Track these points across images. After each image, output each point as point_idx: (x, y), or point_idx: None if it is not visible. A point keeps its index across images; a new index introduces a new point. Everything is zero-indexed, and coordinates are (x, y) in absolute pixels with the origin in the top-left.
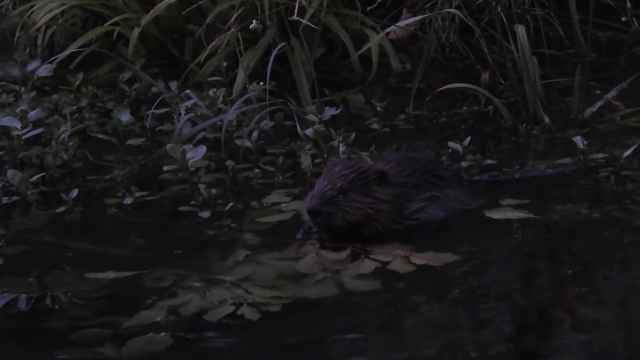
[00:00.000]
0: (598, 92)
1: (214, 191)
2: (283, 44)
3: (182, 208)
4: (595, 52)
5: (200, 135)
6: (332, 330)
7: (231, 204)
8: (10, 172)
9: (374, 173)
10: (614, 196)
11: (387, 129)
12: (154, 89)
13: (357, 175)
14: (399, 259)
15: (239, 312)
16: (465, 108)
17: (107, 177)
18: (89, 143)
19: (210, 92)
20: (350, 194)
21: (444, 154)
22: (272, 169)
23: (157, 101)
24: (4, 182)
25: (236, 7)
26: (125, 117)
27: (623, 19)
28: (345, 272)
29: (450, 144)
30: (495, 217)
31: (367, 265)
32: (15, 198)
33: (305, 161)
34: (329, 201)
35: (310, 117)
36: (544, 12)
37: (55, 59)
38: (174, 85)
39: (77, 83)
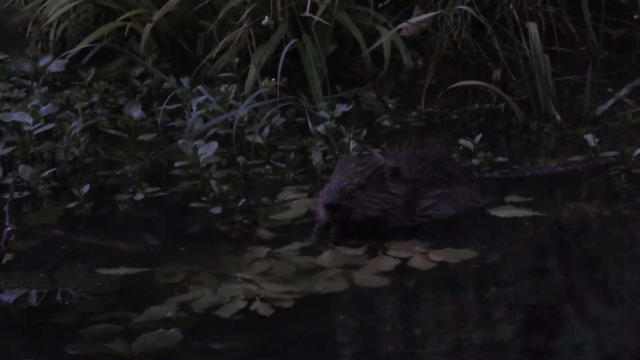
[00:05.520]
0: (610, 89)
1: (225, 187)
2: (295, 40)
3: (193, 204)
4: (607, 50)
5: (212, 131)
6: (344, 326)
7: (243, 200)
8: (21, 167)
9: (388, 169)
10: (625, 194)
11: (398, 126)
12: (165, 85)
13: (373, 172)
14: (418, 255)
15: (252, 308)
16: (476, 105)
17: (118, 172)
18: (100, 138)
19: (222, 88)
20: (368, 190)
21: (455, 152)
22: (283, 165)
23: (169, 97)
24: (15, 177)
25: (248, 3)
26: (136, 112)
27: (635, 16)
28: (364, 268)
29: (462, 141)
30: (501, 216)
31: (387, 262)
32: (26, 193)
33: (316, 158)
34: (348, 196)
35: (322, 113)
36: (555, 9)
37: (67, 54)
38: (185, 81)
39: (88, 78)
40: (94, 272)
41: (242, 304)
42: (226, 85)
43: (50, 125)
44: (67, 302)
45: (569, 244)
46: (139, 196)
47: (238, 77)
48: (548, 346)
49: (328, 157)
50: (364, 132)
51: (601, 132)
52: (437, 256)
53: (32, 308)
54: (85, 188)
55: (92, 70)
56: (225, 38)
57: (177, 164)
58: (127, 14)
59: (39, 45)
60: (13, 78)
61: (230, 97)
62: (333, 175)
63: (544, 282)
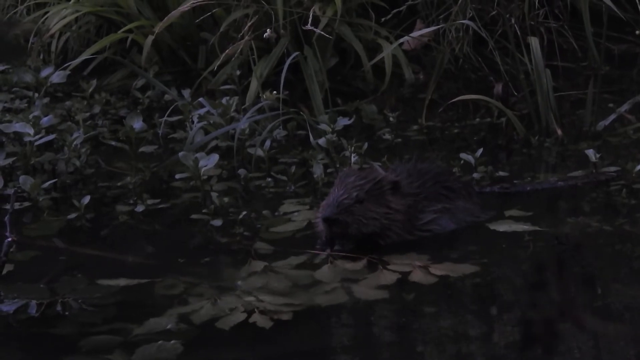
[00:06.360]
0: (611, 105)
1: (226, 199)
2: (296, 53)
3: (193, 216)
4: (609, 65)
5: (213, 144)
6: (343, 339)
7: (244, 213)
8: (22, 178)
9: (387, 183)
10: (626, 209)
11: (399, 140)
12: (166, 97)
13: (373, 186)
14: (419, 269)
15: (251, 320)
16: (477, 119)
17: (119, 184)
18: (102, 150)
19: (223, 101)
20: (366, 204)
21: (455, 166)
22: (284, 178)
23: (170, 109)
24: (16, 188)
25: (250, 16)
26: (137, 124)
27: (637, 32)
28: (364, 282)
29: (462, 155)
30: (500, 230)
31: (387, 276)
32: (26, 204)
33: (317, 171)
34: (346, 210)
35: (323, 126)
36: (557, 24)
37: (68, 66)
38: (187, 93)
39: (90, 90)
40: (94, 283)
41: (242, 316)
42: (227, 98)
43: (51, 136)
44: (67, 313)
45: (568, 259)
46: (140, 208)
47: (239, 89)
48: None
49: (329, 170)
50: (365, 145)
51: (602, 148)
52: (437, 270)
53: (32, 319)
54: (86, 199)
55: (94, 82)
56: (227, 51)
57: (177, 176)
58: (128, 26)
59: (41, 57)
60: (14, 89)
61: (232, 110)
62: (333, 188)
63: (544, 297)
